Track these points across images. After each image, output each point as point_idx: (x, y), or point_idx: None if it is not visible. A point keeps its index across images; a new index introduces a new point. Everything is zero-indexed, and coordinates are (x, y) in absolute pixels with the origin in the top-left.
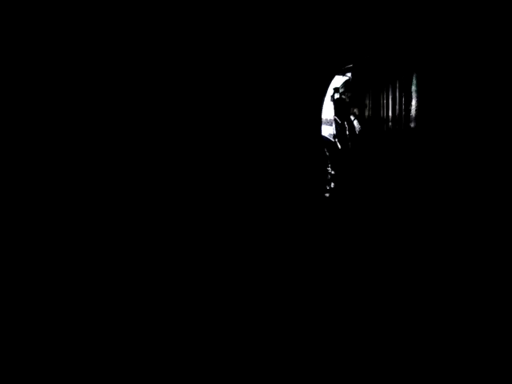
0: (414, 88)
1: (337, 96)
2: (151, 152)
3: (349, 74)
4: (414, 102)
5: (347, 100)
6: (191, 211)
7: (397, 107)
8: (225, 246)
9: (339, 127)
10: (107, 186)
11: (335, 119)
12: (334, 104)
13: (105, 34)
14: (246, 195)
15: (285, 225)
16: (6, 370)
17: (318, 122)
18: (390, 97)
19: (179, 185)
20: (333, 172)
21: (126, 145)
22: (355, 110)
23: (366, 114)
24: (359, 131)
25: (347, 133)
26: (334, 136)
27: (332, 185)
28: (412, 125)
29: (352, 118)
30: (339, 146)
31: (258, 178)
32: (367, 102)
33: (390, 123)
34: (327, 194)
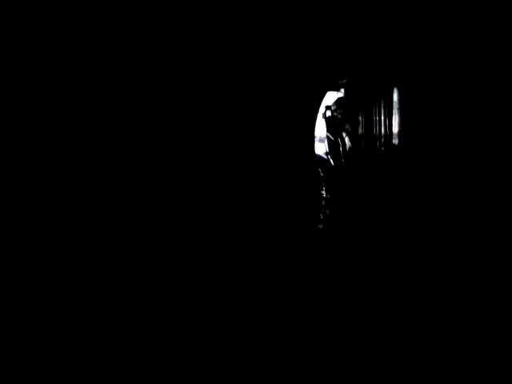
0: (396, 104)
1: (329, 113)
2: (143, 152)
3: (342, 91)
4: (397, 118)
5: (339, 117)
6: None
7: (388, 124)
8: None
9: (332, 144)
10: (107, 185)
11: (328, 136)
12: (326, 121)
13: (105, 34)
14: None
15: (271, 265)
16: (5, 370)
17: (312, 140)
18: (383, 113)
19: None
20: (327, 195)
21: (122, 145)
22: (348, 127)
23: (360, 131)
24: (352, 148)
25: (340, 150)
26: (327, 153)
27: (327, 212)
28: (401, 141)
29: (344, 134)
30: (332, 163)
31: (246, 204)
32: (360, 118)
33: (383, 140)
34: (321, 225)
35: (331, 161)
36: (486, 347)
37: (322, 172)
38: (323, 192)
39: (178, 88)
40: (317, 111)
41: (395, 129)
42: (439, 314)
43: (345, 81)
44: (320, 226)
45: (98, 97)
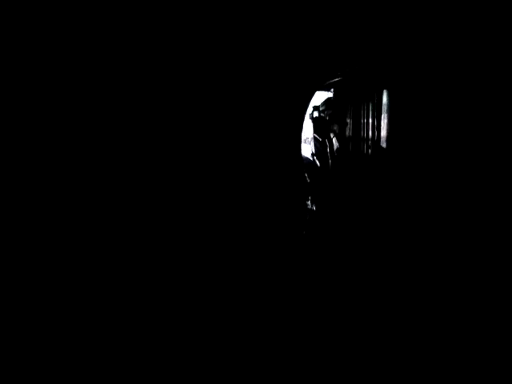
0: (385, 106)
1: (316, 114)
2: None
3: (331, 91)
4: (385, 121)
5: (327, 118)
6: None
7: (377, 126)
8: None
9: (319, 145)
10: (107, 186)
11: (314, 137)
12: (314, 122)
13: (105, 33)
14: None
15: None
16: (6, 370)
17: (299, 143)
18: (372, 115)
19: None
20: (313, 207)
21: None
22: (335, 128)
23: (347, 133)
24: (339, 150)
25: (328, 151)
26: (313, 154)
27: (311, 228)
28: (391, 144)
29: (332, 135)
30: (318, 165)
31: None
32: (348, 120)
33: (372, 142)
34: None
35: (317, 162)
36: (485, 346)
37: (308, 175)
38: (308, 203)
39: (162, 88)
40: (305, 111)
41: (384, 131)
42: (430, 318)
43: (335, 79)
44: (303, 244)
45: (98, 97)
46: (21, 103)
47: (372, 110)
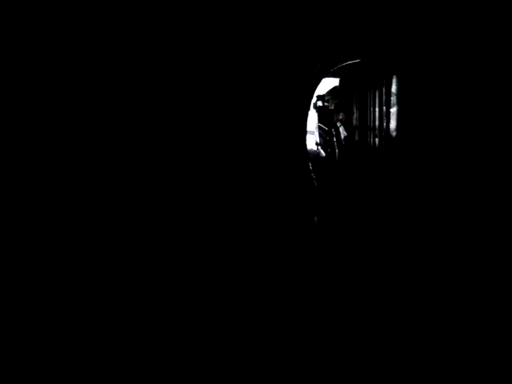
0: (394, 94)
1: (320, 104)
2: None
3: (337, 80)
4: (395, 109)
5: (332, 107)
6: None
7: (385, 115)
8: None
9: (325, 135)
10: (107, 185)
11: (320, 126)
12: (318, 112)
13: (104, 33)
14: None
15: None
16: (5, 370)
17: (303, 139)
18: (377, 103)
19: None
20: (321, 223)
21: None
22: (341, 117)
23: (354, 122)
24: (346, 138)
25: (334, 140)
26: (317, 144)
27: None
28: (399, 134)
29: (339, 124)
30: (323, 154)
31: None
32: (354, 109)
33: (378, 132)
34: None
35: (322, 152)
36: (486, 347)
37: (313, 170)
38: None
39: (165, 83)
40: (311, 99)
41: (394, 120)
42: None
43: (343, 64)
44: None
45: (98, 97)
46: (21, 103)
47: (379, 98)
